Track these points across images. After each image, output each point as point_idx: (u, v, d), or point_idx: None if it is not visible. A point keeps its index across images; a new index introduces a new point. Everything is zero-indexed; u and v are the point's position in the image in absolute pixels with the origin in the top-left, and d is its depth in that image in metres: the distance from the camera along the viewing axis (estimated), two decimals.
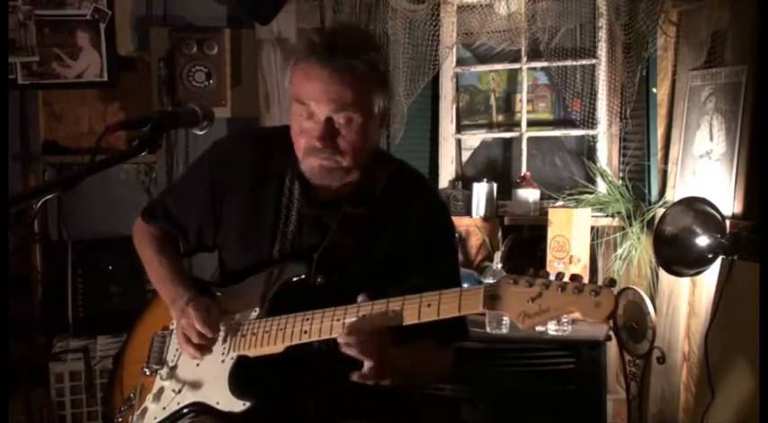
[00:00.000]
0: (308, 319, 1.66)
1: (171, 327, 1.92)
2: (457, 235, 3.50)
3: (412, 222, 1.81)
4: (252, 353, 1.73)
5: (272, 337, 1.70)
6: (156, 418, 1.82)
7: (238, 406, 1.70)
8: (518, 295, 1.44)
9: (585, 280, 1.45)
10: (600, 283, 1.40)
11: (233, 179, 1.87)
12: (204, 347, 1.78)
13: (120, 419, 1.91)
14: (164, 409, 1.82)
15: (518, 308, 1.44)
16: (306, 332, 1.65)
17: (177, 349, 1.87)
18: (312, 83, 1.66)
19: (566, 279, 1.43)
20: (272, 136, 1.88)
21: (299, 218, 1.81)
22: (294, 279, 1.76)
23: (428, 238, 1.82)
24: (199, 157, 1.99)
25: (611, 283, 1.39)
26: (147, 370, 1.90)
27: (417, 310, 1.55)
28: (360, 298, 1.62)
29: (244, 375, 1.74)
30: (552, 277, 1.44)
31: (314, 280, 1.76)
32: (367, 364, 1.58)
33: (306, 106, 1.68)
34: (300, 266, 1.77)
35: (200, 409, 1.77)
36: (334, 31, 1.78)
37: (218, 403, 1.73)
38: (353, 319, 1.60)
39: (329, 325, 1.63)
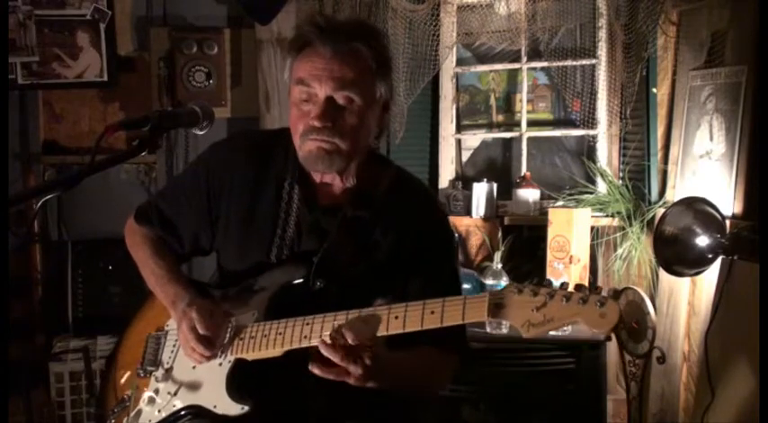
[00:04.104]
0: (308, 324, 1.64)
1: (166, 328, 1.90)
2: (457, 236, 3.53)
3: (412, 228, 1.79)
4: (250, 356, 1.72)
5: (271, 342, 1.68)
6: (150, 420, 1.80)
7: (236, 410, 1.69)
8: (522, 304, 1.43)
9: (586, 283, 1.44)
10: (604, 293, 1.39)
11: (231, 183, 1.85)
12: (208, 355, 1.74)
13: (112, 421, 1.88)
14: (159, 411, 1.81)
15: (522, 317, 1.43)
16: (306, 337, 1.64)
17: (173, 351, 1.85)
18: (314, 62, 1.67)
19: (570, 289, 1.41)
20: (272, 139, 1.86)
21: (297, 223, 1.79)
22: (293, 282, 1.75)
23: (428, 245, 1.80)
24: (195, 160, 1.95)
25: (615, 294, 1.38)
26: (141, 372, 1.88)
27: (420, 316, 1.53)
28: (378, 302, 1.59)
29: (242, 379, 1.72)
30: (556, 285, 1.43)
31: (313, 284, 1.74)
32: (352, 370, 1.56)
33: (306, 86, 1.68)
34: (300, 270, 1.75)
35: (196, 412, 1.76)
36: (337, 17, 1.78)
37: (215, 407, 1.72)
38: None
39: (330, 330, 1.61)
